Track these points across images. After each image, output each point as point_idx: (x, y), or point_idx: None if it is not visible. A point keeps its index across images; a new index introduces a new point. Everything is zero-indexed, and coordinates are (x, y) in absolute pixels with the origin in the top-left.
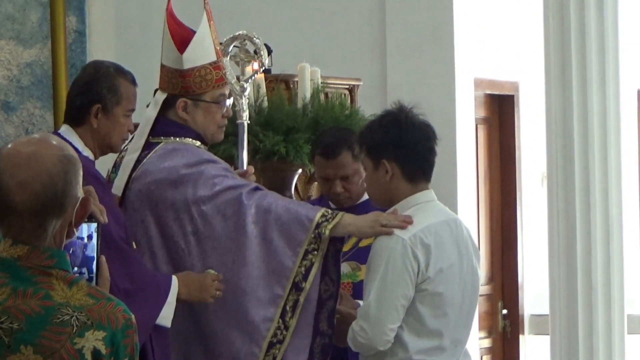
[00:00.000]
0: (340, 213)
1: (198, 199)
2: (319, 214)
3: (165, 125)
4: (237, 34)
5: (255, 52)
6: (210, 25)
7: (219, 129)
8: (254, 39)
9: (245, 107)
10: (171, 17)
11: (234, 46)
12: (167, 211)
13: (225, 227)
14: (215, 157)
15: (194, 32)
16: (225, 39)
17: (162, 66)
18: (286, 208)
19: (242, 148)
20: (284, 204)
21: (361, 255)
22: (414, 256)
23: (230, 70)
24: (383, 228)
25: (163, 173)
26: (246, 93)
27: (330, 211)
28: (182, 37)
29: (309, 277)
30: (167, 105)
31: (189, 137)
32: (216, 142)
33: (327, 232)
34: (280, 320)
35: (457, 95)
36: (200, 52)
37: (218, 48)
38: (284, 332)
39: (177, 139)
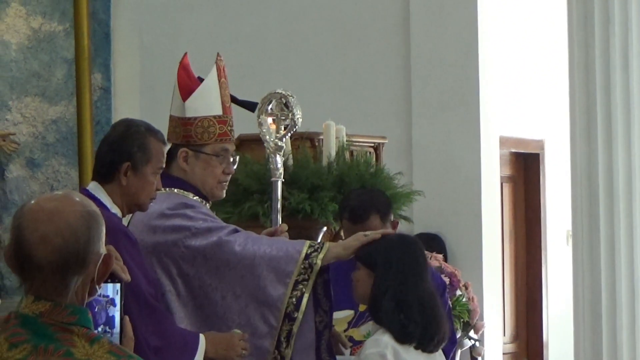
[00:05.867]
0: (327, 243)
1: (177, 241)
2: (306, 246)
3: (166, 179)
4: (273, 91)
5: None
6: (219, 81)
7: (219, 184)
8: (288, 97)
9: (280, 165)
10: (183, 69)
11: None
12: (150, 256)
13: (207, 266)
14: (196, 203)
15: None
16: (263, 97)
17: (170, 117)
18: (270, 243)
19: (276, 205)
20: (267, 240)
21: None
22: None
23: (267, 127)
24: (366, 238)
25: (145, 218)
26: (281, 151)
27: (316, 242)
28: (189, 87)
29: (301, 307)
30: (170, 157)
31: (190, 192)
32: (216, 198)
33: (319, 261)
34: (277, 351)
35: (483, 154)
36: (204, 103)
37: (228, 105)
38: None
39: (176, 190)
